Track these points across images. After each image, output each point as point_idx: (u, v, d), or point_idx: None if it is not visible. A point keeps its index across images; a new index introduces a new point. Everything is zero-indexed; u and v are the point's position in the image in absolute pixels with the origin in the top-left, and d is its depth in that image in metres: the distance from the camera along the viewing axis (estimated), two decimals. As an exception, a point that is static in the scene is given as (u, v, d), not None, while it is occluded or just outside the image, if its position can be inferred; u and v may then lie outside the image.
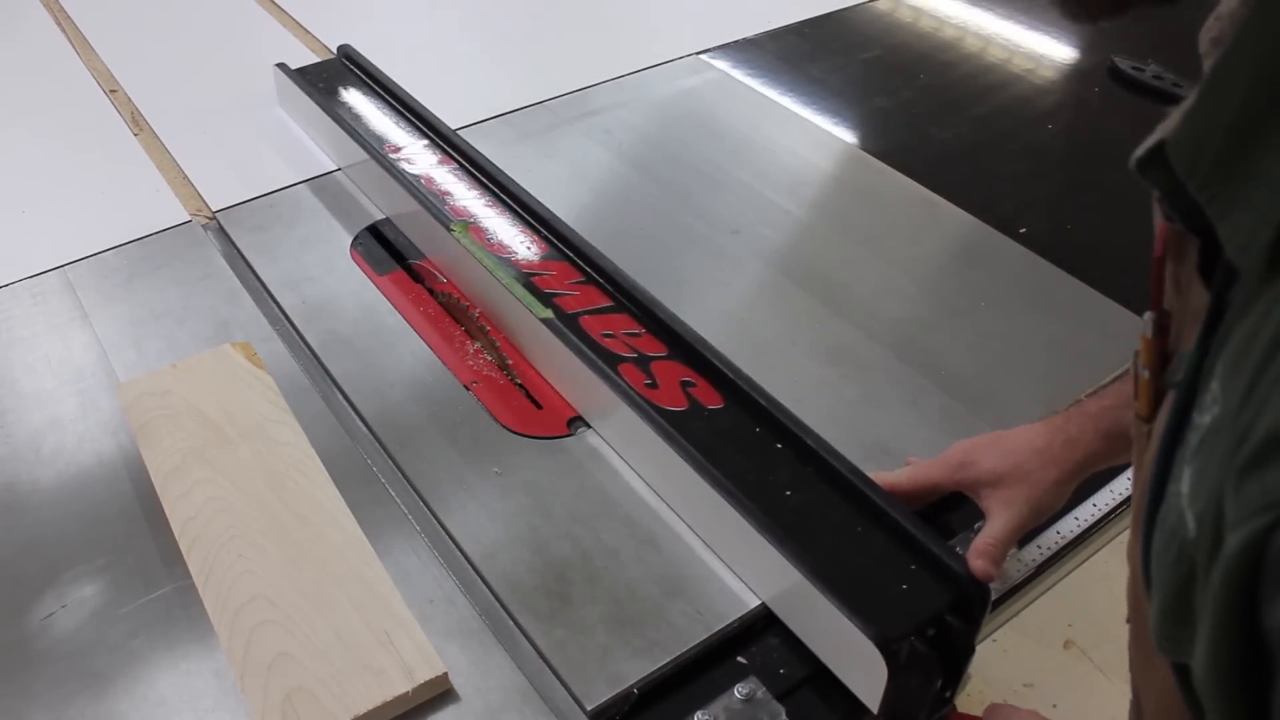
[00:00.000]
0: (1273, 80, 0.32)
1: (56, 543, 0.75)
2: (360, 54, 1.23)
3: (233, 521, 0.74)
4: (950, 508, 0.76)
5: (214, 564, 0.71)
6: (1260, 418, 0.28)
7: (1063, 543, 0.79)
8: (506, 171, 1.05)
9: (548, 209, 0.97)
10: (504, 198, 1.01)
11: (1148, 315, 0.42)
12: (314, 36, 1.42)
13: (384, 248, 1.03)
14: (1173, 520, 0.34)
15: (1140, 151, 0.38)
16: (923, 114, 1.34)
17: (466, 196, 1.02)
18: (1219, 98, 0.34)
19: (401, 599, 0.70)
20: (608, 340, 0.85)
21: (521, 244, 0.95)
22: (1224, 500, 0.29)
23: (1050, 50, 1.51)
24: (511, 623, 0.71)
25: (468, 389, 0.88)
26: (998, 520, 0.68)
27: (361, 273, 1.00)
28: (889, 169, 1.20)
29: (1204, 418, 0.33)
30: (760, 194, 1.15)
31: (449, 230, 0.94)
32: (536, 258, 0.94)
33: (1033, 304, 1.01)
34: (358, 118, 1.13)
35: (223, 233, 1.06)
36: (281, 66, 1.21)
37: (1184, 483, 0.33)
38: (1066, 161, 1.29)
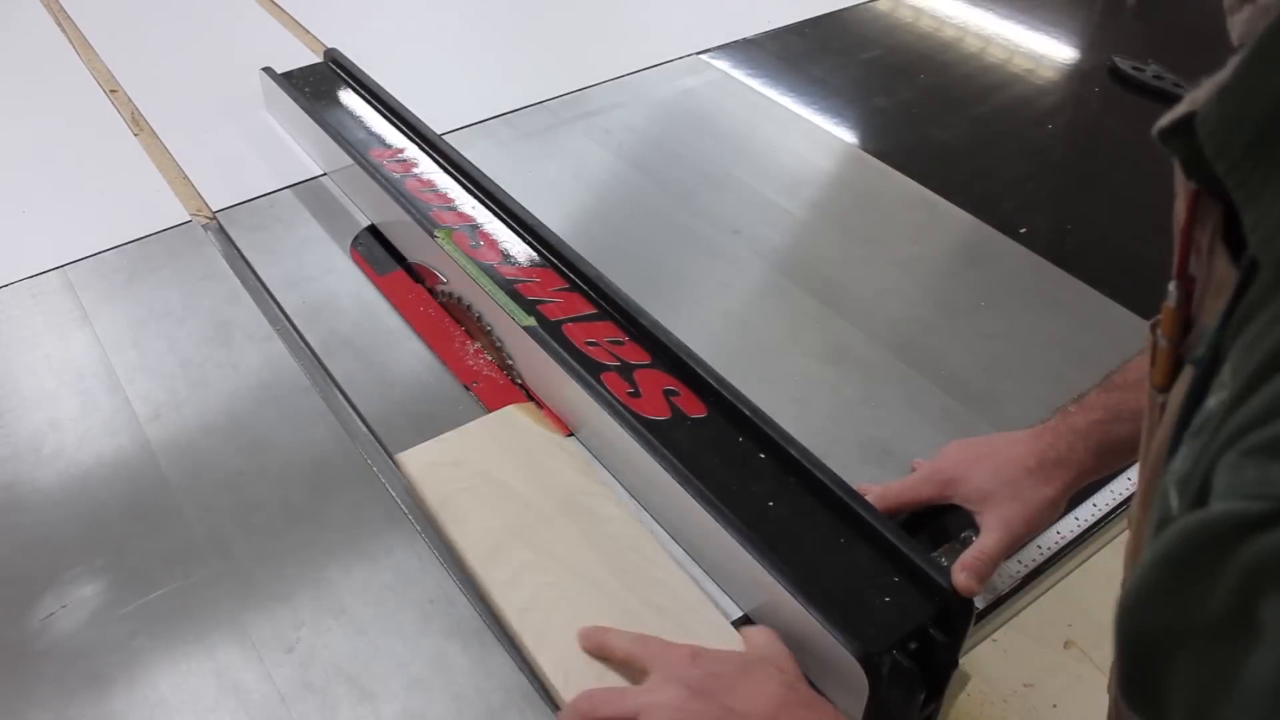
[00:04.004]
0: None
1: (56, 543, 0.75)
2: (346, 58, 1.23)
3: (576, 614, 0.67)
4: (948, 510, 0.75)
5: (570, 667, 0.64)
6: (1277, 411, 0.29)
7: (1063, 543, 0.79)
8: (507, 171, 1.05)
9: (533, 215, 0.97)
10: (489, 204, 1.01)
11: (1172, 284, 0.41)
12: (314, 36, 1.42)
13: (384, 248, 1.03)
14: (1160, 498, 0.34)
15: (1165, 121, 0.36)
16: (923, 114, 1.34)
17: (451, 202, 1.01)
18: (1259, 78, 0.32)
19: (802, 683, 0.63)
20: (591, 348, 0.84)
21: (506, 251, 0.95)
22: (1213, 473, 0.30)
23: (1050, 50, 1.51)
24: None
25: (468, 389, 0.88)
26: (991, 536, 0.68)
27: (361, 273, 1.00)
28: (889, 169, 1.20)
29: (1212, 401, 0.33)
30: (760, 194, 1.15)
31: (433, 237, 0.94)
32: (521, 264, 0.93)
33: (1033, 304, 1.01)
34: (343, 122, 1.12)
35: (223, 233, 1.06)
36: (268, 71, 1.21)
37: (1178, 461, 0.34)
38: (1066, 161, 1.29)
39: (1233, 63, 0.33)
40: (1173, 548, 0.31)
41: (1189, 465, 0.32)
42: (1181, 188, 0.39)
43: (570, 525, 0.74)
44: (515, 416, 0.83)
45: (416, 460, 0.79)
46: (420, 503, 0.77)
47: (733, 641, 0.67)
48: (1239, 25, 0.34)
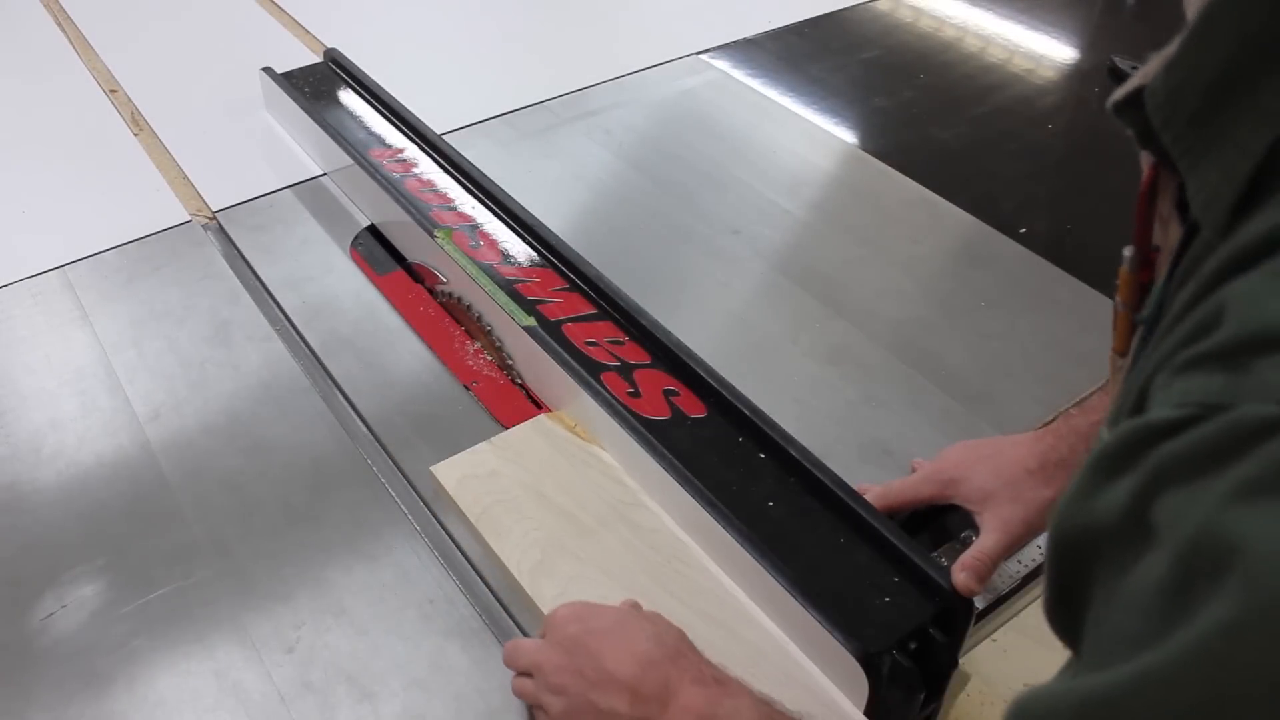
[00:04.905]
0: (1255, 43, 0.32)
1: (56, 543, 0.75)
2: (346, 58, 1.23)
3: None
4: (948, 510, 0.75)
5: None
6: (1206, 331, 0.30)
7: (1063, 543, 0.79)
8: (507, 171, 1.05)
9: (533, 215, 0.97)
10: (489, 204, 1.01)
11: (1128, 249, 0.43)
12: (314, 36, 1.42)
13: (384, 248, 1.04)
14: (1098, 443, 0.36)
15: (1118, 95, 0.38)
16: (923, 114, 1.34)
17: (451, 202, 1.01)
18: (1201, 52, 0.34)
19: (852, 705, 0.63)
20: (590, 348, 0.84)
21: (506, 251, 0.95)
22: (1147, 398, 0.32)
23: (1050, 50, 1.51)
24: (512, 623, 0.71)
25: (468, 389, 0.88)
26: (991, 536, 0.68)
27: (361, 273, 1.00)
28: (889, 169, 1.20)
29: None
30: (760, 194, 1.15)
31: (433, 237, 0.94)
32: (521, 264, 0.93)
33: (1033, 304, 1.01)
34: (343, 122, 1.13)
35: (223, 233, 1.06)
36: (268, 71, 1.21)
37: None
38: (1066, 161, 1.29)
39: (1178, 39, 0.35)
40: (1101, 452, 0.32)
41: (1119, 398, 0.34)
42: (1145, 160, 0.40)
43: (612, 537, 0.74)
44: (547, 426, 0.82)
45: (452, 473, 0.78)
46: (458, 516, 0.76)
47: (791, 652, 0.67)
48: (1194, 2, 0.36)
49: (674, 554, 0.73)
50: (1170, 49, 0.35)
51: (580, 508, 0.75)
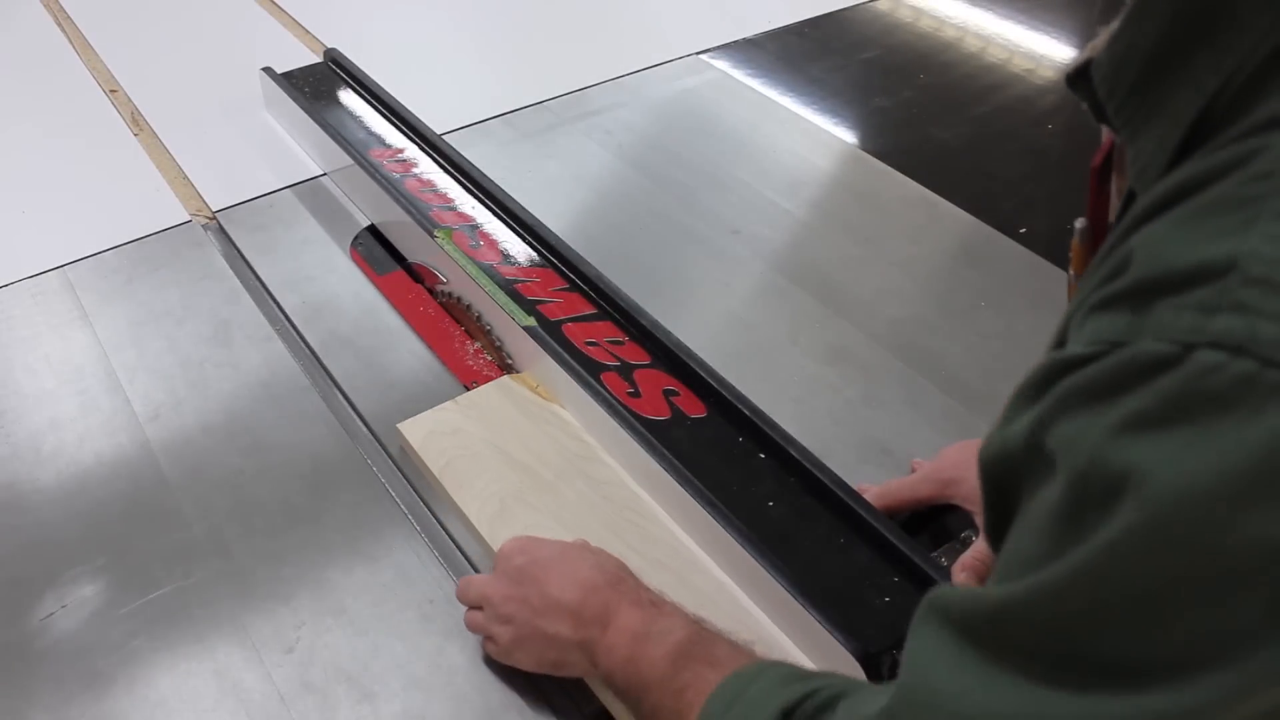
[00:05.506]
0: (1189, 14, 0.33)
1: (56, 543, 0.75)
2: (346, 58, 1.23)
3: None
4: (948, 510, 0.75)
5: None
6: (1117, 275, 0.32)
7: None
8: (507, 171, 1.05)
9: (533, 215, 0.97)
10: (489, 204, 1.01)
11: (1079, 221, 0.44)
12: (314, 37, 1.42)
13: (384, 248, 1.04)
14: None
15: (1070, 68, 0.39)
16: (923, 114, 1.33)
17: (451, 202, 1.01)
18: (1141, 26, 0.35)
19: (802, 654, 0.65)
20: (590, 348, 0.84)
21: (506, 251, 0.95)
22: (1067, 328, 0.34)
23: (1050, 50, 1.51)
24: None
25: (468, 389, 0.88)
26: None
27: (361, 273, 1.00)
28: (889, 169, 1.20)
29: None
30: (760, 194, 1.15)
31: (433, 237, 0.94)
32: (521, 264, 0.93)
33: (1033, 304, 1.01)
34: (343, 122, 1.13)
35: (223, 233, 1.06)
36: (268, 71, 1.21)
37: None
38: (1066, 161, 1.29)
39: (1123, 13, 0.36)
40: (1020, 384, 0.35)
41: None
42: (1106, 135, 0.42)
43: (569, 489, 0.76)
44: (511, 386, 0.85)
45: (417, 430, 0.80)
46: (422, 471, 0.79)
47: (740, 599, 0.69)
48: None
49: (626, 505, 0.76)
50: (1115, 23, 0.36)
51: (539, 462, 0.78)
